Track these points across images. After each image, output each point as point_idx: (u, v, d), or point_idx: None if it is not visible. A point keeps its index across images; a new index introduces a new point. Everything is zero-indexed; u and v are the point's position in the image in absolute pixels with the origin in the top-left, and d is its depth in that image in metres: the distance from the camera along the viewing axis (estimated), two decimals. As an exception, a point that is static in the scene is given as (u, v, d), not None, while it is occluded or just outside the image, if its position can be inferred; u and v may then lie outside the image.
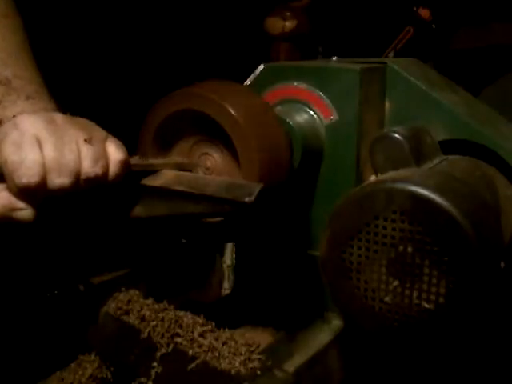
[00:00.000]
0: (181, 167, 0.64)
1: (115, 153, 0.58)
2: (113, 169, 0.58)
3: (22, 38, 0.68)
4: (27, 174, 0.53)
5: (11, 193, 0.55)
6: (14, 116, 0.58)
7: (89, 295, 0.69)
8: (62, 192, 0.56)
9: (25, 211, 0.55)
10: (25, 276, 0.79)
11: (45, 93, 0.65)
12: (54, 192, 0.55)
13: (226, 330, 0.61)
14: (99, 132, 0.59)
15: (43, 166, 0.54)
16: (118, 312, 0.66)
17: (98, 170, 0.56)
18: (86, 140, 0.56)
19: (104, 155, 0.57)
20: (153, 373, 0.61)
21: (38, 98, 0.63)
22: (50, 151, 0.54)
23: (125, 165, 0.59)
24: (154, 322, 0.62)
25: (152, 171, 0.62)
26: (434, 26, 1.32)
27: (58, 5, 0.94)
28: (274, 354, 0.62)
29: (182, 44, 1.11)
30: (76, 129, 0.57)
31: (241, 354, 0.58)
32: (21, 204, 0.55)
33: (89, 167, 0.56)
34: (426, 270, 0.49)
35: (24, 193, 0.54)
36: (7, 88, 0.62)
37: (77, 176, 0.56)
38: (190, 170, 0.65)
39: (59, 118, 0.58)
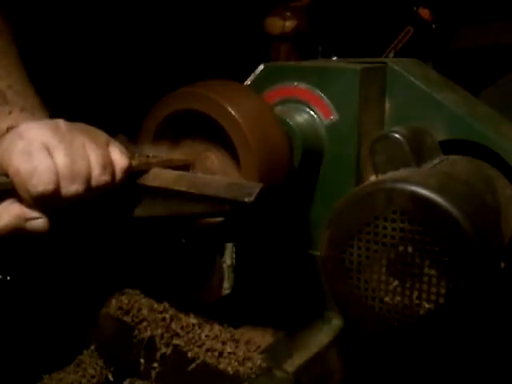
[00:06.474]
0: (177, 164, 0.64)
1: (120, 159, 0.58)
2: (118, 175, 0.57)
3: (15, 53, 0.67)
4: (42, 182, 0.52)
5: (24, 203, 0.54)
6: (8, 128, 0.57)
7: (89, 295, 0.69)
8: (74, 199, 0.55)
9: (40, 220, 0.54)
10: (26, 277, 0.79)
11: (40, 106, 0.64)
12: (67, 200, 0.54)
13: (226, 329, 0.61)
14: (102, 137, 0.59)
15: (56, 173, 0.53)
16: (118, 312, 0.65)
17: (107, 177, 0.56)
18: (92, 147, 0.56)
19: (110, 162, 0.57)
20: (153, 373, 0.61)
21: (33, 110, 0.62)
22: (61, 158, 0.53)
23: (128, 170, 0.59)
24: (154, 323, 0.62)
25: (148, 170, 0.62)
26: (434, 26, 1.32)
27: (57, 5, 0.94)
28: (274, 353, 0.62)
29: (182, 44, 1.10)
30: (81, 135, 0.56)
31: (240, 354, 0.58)
32: (35, 213, 0.54)
33: (99, 174, 0.55)
34: (426, 270, 0.49)
35: (38, 202, 0.53)
36: (1, 100, 0.61)
37: (88, 183, 0.55)
38: (188, 168, 0.65)
39: (62, 124, 0.57)
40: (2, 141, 0.55)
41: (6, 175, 0.53)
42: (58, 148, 0.54)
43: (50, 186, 0.52)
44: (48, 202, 0.53)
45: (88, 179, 0.55)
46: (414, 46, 1.31)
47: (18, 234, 0.54)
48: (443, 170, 0.58)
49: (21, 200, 0.54)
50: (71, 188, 0.54)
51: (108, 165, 0.56)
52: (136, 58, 1.03)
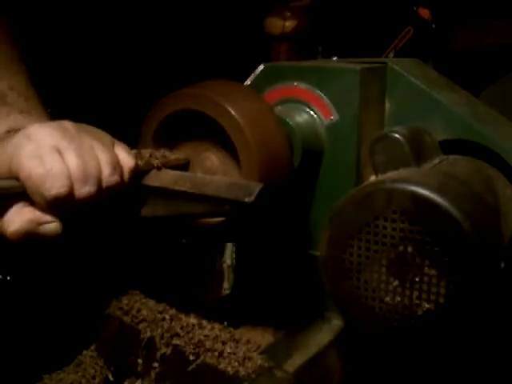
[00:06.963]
0: (177, 164, 0.64)
1: (127, 159, 0.57)
2: (126, 176, 0.57)
3: (17, 53, 0.67)
4: (56, 186, 0.51)
5: (37, 207, 0.53)
6: (7, 130, 0.57)
7: (89, 295, 0.69)
8: (87, 201, 0.54)
9: (53, 224, 0.53)
10: (26, 277, 0.79)
11: (40, 107, 0.64)
12: (80, 201, 0.54)
13: (226, 329, 0.61)
14: (107, 137, 0.58)
15: (69, 175, 0.52)
16: (118, 312, 0.65)
17: (117, 177, 0.56)
18: (100, 148, 0.55)
19: (118, 162, 0.57)
20: (153, 373, 0.61)
21: (33, 112, 0.62)
22: (73, 160, 0.53)
23: (136, 171, 0.59)
24: (154, 323, 0.62)
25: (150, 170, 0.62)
26: (434, 26, 1.32)
27: (58, 5, 0.94)
28: (274, 353, 0.62)
29: (182, 44, 1.11)
30: (88, 136, 0.56)
31: (240, 354, 0.58)
32: (48, 217, 0.53)
33: (109, 175, 0.55)
34: (426, 270, 0.49)
35: (52, 205, 0.53)
36: (1, 101, 0.61)
37: (100, 184, 0.54)
38: (188, 168, 0.65)
39: (70, 125, 0.56)
40: (6, 143, 0.54)
41: (15, 178, 0.53)
42: (69, 150, 0.53)
43: (64, 189, 0.52)
44: (61, 204, 0.53)
45: (99, 180, 0.54)
46: (414, 46, 1.31)
47: (29, 238, 0.54)
48: (443, 170, 0.58)
49: (32, 203, 0.53)
50: (84, 190, 0.53)
51: (117, 165, 0.56)
52: (136, 59, 1.04)
